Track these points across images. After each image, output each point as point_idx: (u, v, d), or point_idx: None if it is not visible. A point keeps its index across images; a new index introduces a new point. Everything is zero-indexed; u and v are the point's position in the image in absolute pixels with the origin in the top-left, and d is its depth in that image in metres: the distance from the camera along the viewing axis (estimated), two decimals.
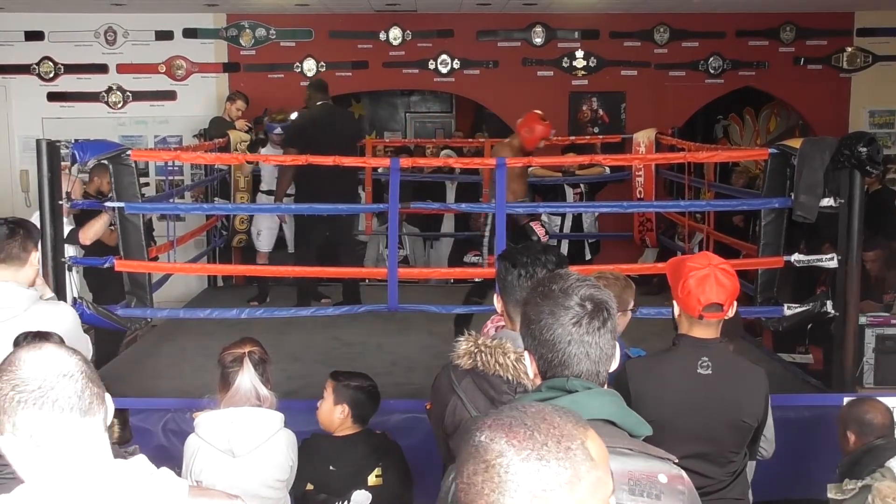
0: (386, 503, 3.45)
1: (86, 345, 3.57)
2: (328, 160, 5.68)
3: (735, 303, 2.92)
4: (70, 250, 5.11)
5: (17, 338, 2.70)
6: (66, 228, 5.29)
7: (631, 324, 3.65)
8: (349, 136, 7.16)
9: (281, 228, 7.71)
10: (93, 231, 5.38)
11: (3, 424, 1.44)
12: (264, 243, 7.60)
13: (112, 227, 6.05)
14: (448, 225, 9.15)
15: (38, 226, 4.75)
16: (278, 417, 3.19)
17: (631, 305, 3.37)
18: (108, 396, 1.54)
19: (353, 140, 7.37)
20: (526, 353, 1.83)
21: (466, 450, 1.19)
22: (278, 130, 7.37)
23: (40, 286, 3.52)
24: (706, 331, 2.88)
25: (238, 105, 8.23)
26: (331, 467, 3.38)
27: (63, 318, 3.39)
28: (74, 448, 1.45)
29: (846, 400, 3.89)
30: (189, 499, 1.51)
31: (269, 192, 7.51)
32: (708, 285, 2.81)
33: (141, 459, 1.52)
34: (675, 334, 2.96)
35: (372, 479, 3.40)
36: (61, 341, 2.61)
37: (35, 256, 3.42)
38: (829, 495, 3.33)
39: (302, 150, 6.38)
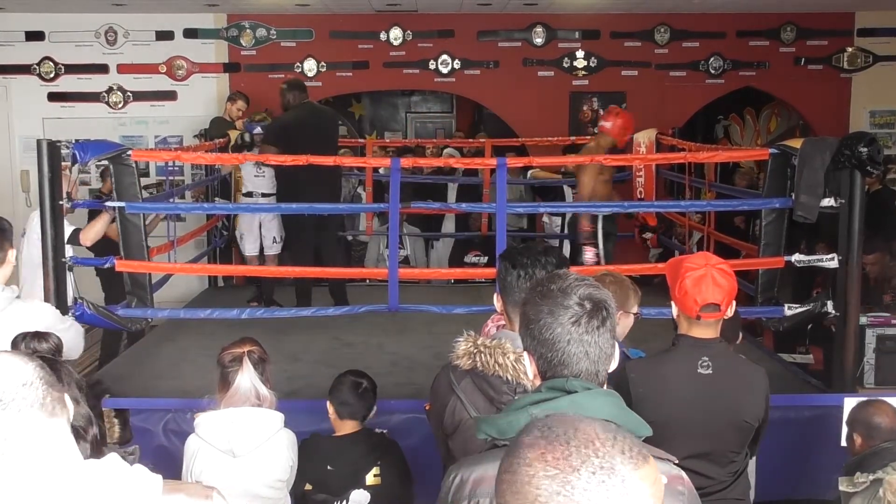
0: (385, 503, 3.45)
1: (75, 338, 3.54)
2: (328, 160, 5.69)
3: (734, 302, 2.92)
4: (72, 250, 5.13)
5: (16, 338, 2.70)
6: (70, 228, 5.32)
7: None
8: (332, 135, 7.07)
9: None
10: (93, 232, 5.38)
11: None
12: (248, 247, 7.48)
13: None
14: (449, 226, 9.14)
15: (39, 225, 4.79)
16: (278, 417, 3.19)
17: (635, 309, 3.37)
18: (67, 398, 1.53)
19: (336, 138, 7.30)
20: (525, 354, 1.83)
21: (512, 443, 1.19)
22: (258, 130, 7.24)
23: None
24: (705, 331, 2.88)
25: (239, 105, 8.22)
26: (328, 467, 3.39)
27: (42, 317, 3.35)
28: (42, 453, 1.44)
29: (846, 400, 3.89)
30: (163, 495, 1.51)
31: (248, 195, 7.36)
32: (704, 285, 2.81)
33: (113, 458, 1.51)
34: (675, 334, 2.96)
35: (370, 479, 3.40)
36: (59, 342, 2.60)
37: (12, 254, 3.38)
38: (841, 488, 3.33)
39: (283, 149, 6.34)
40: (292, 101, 7.00)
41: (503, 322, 2.61)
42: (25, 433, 1.42)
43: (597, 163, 6.21)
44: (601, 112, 9.66)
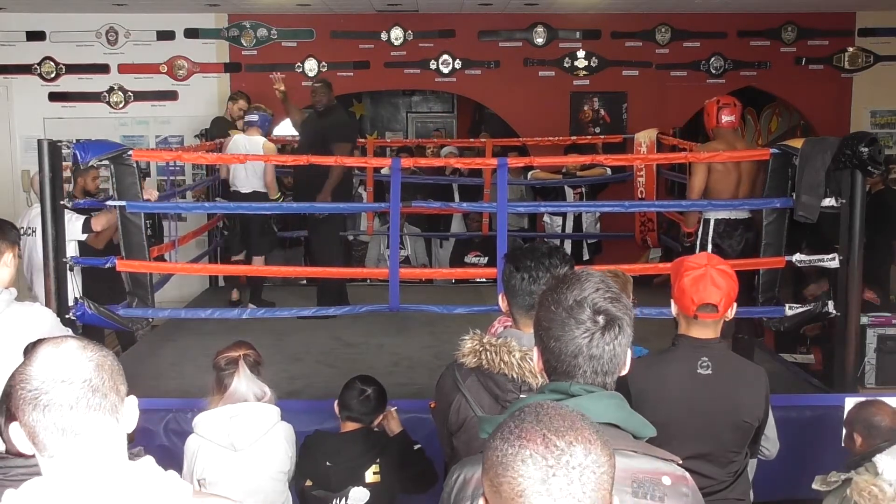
0: (386, 501, 3.45)
1: None
2: (329, 160, 5.69)
3: (735, 304, 2.92)
4: (70, 248, 5.14)
5: (27, 347, 2.70)
6: (81, 218, 5.36)
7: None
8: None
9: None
10: (104, 219, 5.41)
11: (17, 413, 1.47)
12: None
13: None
14: (457, 225, 9.14)
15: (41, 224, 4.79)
16: (275, 411, 3.23)
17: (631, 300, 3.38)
18: (131, 401, 1.54)
19: None
20: (535, 348, 1.83)
21: (498, 449, 1.23)
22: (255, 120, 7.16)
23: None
24: (705, 331, 2.88)
25: (240, 105, 8.23)
26: (328, 463, 3.39)
27: (42, 321, 3.34)
28: (73, 451, 1.45)
29: (847, 400, 3.89)
30: (193, 499, 1.52)
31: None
32: (702, 285, 2.81)
33: (148, 461, 1.53)
34: (675, 334, 2.96)
35: (370, 477, 3.40)
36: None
37: (9, 257, 3.38)
38: (814, 486, 3.36)
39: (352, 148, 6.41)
40: (330, 100, 7.02)
41: (510, 323, 2.61)
42: (51, 430, 1.44)
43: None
44: (602, 112, 9.70)
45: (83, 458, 1.46)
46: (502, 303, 2.61)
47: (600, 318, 1.72)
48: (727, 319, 2.94)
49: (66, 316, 4.71)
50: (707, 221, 5.73)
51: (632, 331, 1.77)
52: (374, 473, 3.41)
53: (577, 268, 2.02)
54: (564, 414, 1.25)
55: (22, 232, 5.61)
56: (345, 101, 11.06)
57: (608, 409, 1.70)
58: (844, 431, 3.62)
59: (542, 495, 1.17)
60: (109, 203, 5.20)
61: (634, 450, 1.68)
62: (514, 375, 2.37)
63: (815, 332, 6.28)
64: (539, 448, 1.19)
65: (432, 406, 2.74)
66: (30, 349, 2.53)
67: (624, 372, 1.79)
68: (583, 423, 1.24)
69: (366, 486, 3.39)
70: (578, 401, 1.69)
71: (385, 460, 3.44)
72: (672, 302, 2.94)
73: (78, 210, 5.49)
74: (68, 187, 6.13)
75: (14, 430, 1.48)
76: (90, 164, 4.88)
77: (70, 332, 3.65)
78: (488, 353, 2.41)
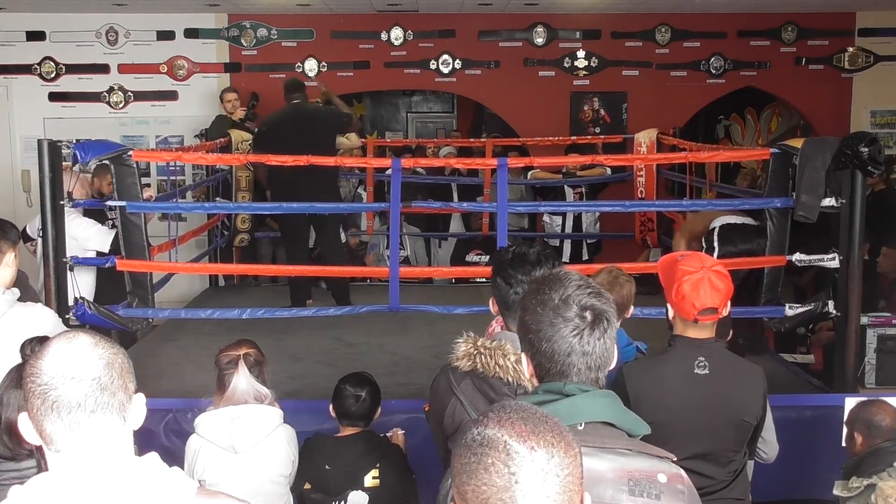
0: None
1: None
2: (329, 160, 5.69)
3: (729, 303, 2.92)
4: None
5: (23, 344, 2.70)
6: (108, 238, 5.36)
7: (631, 324, 3.65)
8: (319, 134, 6.89)
9: None
10: None
11: (26, 405, 1.49)
12: None
13: None
14: (455, 225, 9.13)
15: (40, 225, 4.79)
16: (277, 413, 3.22)
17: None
18: (139, 399, 1.55)
19: (327, 136, 7.08)
20: (523, 355, 1.83)
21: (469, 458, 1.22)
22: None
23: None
24: (701, 331, 2.87)
25: (228, 98, 8.27)
26: (327, 466, 3.39)
27: (43, 321, 3.35)
28: (79, 446, 1.46)
29: (847, 400, 3.89)
30: (197, 498, 1.53)
31: None
32: (702, 290, 2.79)
33: (153, 457, 1.53)
34: (671, 335, 2.96)
35: (369, 481, 3.39)
36: None
37: (10, 257, 3.38)
38: (835, 492, 3.34)
39: (270, 150, 6.29)
40: (285, 102, 7.04)
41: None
42: (59, 426, 1.45)
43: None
44: (602, 112, 9.69)
45: (89, 453, 1.47)
46: (493, 306, 2.61)
47: (587, 314, 1.73)
48: (722, 317, 2.94)
49: (67, 316, 4.71)
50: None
51: (617, 323, 1.78)
52: (374, 478, 3.40)
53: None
54: (527, 417, 1.24)
55: (39, 233, 5.62)
56: (345, 101, 11.08)
57: (603, 408, 1.70)
58: (845, 431, 3.62)
59: (507, 502, 1.17)
60: (109, 203, 5.20)
61: (629, 448, 1.68)
62: (510, 378, 2.37)
63: (828, 339, 6.19)
64: (501, 455, 1.19)
65: (426, 409, 2.74)
66: (26, 345, 2.53)
67: (612, 366, 1.80)
68: (545, 425, 1.23)
69: (365, 490, 3.38)
70: (573, 400, 1.69)
71: (385, 465, 3.43)
72: (667, 305, 2.92)
73: (87, 213, 5.50)
74: (69, 187, 6.15)
75: (23, 420, 1.49)
76: (90, 163, 4.88)
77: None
78: (483, 356, 2.41)
